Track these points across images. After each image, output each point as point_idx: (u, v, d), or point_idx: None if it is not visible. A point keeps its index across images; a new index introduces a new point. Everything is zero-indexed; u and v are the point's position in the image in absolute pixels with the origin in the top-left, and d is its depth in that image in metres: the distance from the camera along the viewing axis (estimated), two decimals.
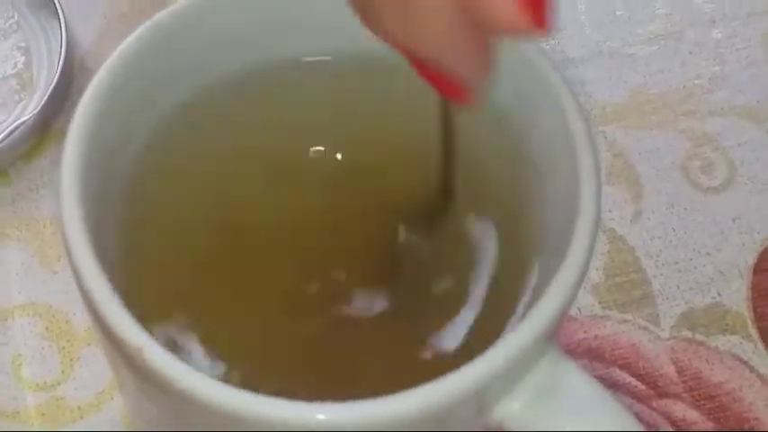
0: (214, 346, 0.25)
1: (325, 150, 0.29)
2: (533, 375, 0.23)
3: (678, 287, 0.36)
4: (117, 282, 0.22)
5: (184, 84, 0.27)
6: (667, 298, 0.36)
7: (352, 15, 0.21)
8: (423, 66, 0.21)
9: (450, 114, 0.24)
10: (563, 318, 0.23)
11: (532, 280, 0.26)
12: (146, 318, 0.22)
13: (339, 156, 0.29)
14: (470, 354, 0.22)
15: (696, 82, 0.40)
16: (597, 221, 0.24)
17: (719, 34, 0.41)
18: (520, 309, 0.25)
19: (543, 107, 0.26)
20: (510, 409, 0.23)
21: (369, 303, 0.27)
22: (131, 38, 0.25)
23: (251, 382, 0.22)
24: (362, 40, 0.22)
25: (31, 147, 0.38)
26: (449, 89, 0.21)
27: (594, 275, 0.36)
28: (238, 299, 0.27)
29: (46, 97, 0.37)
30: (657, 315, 0.36)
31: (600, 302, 0.36)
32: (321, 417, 0.21)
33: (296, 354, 0.26)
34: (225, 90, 0.28)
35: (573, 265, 0.23)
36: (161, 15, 0.26)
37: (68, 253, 0.23)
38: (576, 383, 0.23)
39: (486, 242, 0.28)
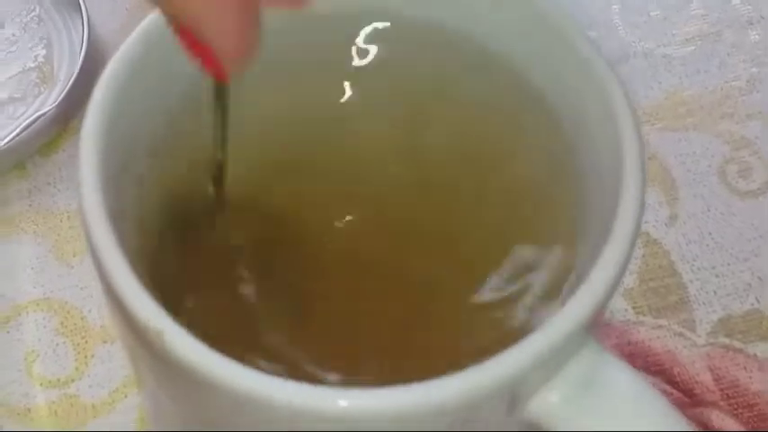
0: (233, 332, 0.24)
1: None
2: (572, 367, 0.22)
3: (715, 293, 0.35)
4: (136, 267, 0.21)
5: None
6: (704, 303, 0.35)
7: None
8: (184, 31, 0.21)
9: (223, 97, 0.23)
10: (604, 307, 0.22)
11: (574, 267, 0.25)
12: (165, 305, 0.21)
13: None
14: (510, 343, 0.21)
15: (734, 84, 0.39)
16: (641, 206, 0.22)
17: (757, 36, 0.40)
18: (562, 296, 0.24)
19: (585, 89, 0.25)
20: (547, 402, 0.22)
21: (401, 288, 0.26)
22: (142, 26, 0.25)
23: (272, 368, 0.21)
24: None
25: (50, 140, 0.37)
26: (205, 60, 0.21)
27: (628, 280, 0.35)
28: (255, 286, 0.26)
29: (66, 91, 0.37)
30: (693, 321, 0.35)
31: (634, 307, 0.35)
32: (343, 403, 0.20)
33: (320, 339, 0.25)
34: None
35: (615, 250, 0.22)
36: None
37: (88, 236, 0.22)
38: (619, 377, 0.22)
39: (524, 229, 0.26)
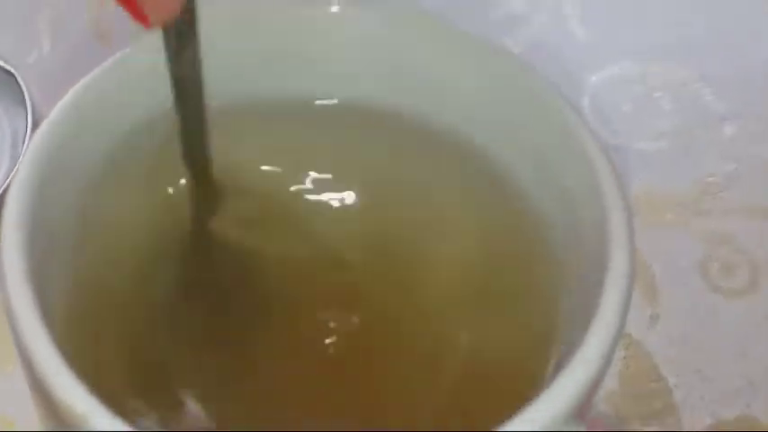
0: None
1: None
2: None
3: (702, 398, 0.33)
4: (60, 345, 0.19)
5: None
6: (692, 408, 0.33)
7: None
8: None
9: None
10: (592, 391, 0.20)
11: (555, 353, 0.22)
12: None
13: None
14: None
15: (710, 180, 0.38)
16: (631, 277, 0.20)
17: (731, 131, 0.39)
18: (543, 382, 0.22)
19: (565, 161, 0.23)
20: None
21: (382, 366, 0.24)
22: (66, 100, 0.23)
23: None
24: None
25: None
26: (130, 9, 0.21)
27: (611, 382, 0.33)
28: (186, 362, 0.23)
29: (2, 188, 0.34)
30: (681, 427, 0.32)
31: (617, 414, 0.32)
32: None
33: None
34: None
35: (602, 328, 0.20)
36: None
37: (8, 307, 0.19)
38: None
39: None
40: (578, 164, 0.23)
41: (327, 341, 0.25)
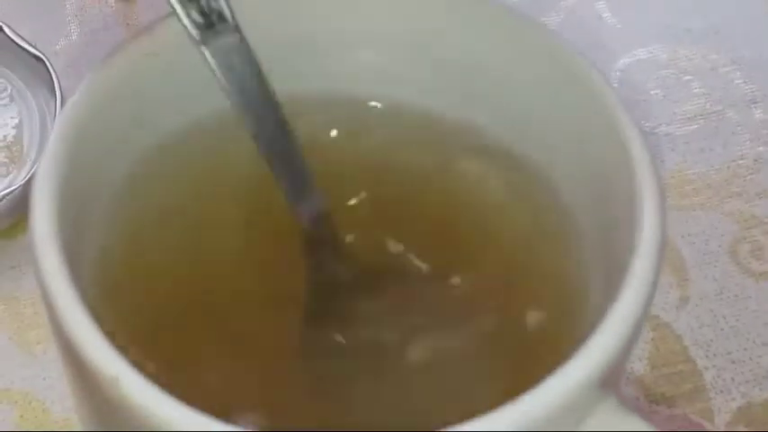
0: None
1: None
2: (590, 427, 0.19)
3: (733, 380, 0.33)
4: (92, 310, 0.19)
5: (159, 125, 0.25)
6: (721, 391, 0.32)
7: None
8: None
9: None
10: (624, 357, 0.20)
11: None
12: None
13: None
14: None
15: (740, 162, 0.37)
16: (661, 246, 0.20)
17: (762, 114, 0.39)
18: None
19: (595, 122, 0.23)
20: None
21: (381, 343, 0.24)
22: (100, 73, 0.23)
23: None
24: None
25: (16, 222, 0.35)
26: None
27: (639, 366, 0.33)
28: (212, 338, 0.23)
29: (32, 170, 0.35)
30: (711, 410, 0.32)
31: (646, 395, 0.32)
32: None
33: (282, 389, 0.22)
34: (201, 132, 0.25)
35: (632, 296, 0.20)
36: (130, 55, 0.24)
37: (38, 272, 0.20)
38: None
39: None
40: (613, 144, 0.22)
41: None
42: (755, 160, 0.37)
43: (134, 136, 0.24)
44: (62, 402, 0.31)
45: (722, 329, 0.34)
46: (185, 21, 0.22)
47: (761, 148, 0.38)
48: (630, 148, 0.22)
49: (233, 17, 0.22)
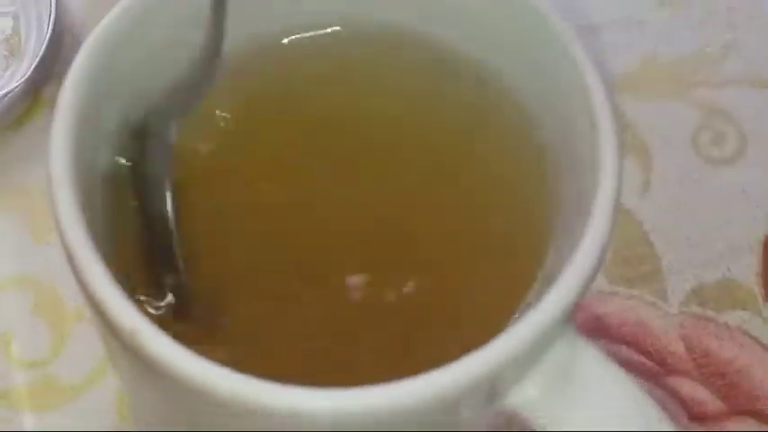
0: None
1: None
2: (550, 359, 0.22)
3: (688, 262, 0.35)
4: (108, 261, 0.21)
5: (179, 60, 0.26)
6: (676, 273, 0.35)
7: None
8: None
9: None
10: (582, 297, 0.22)
11: (547, 261, 0.24)
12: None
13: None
14: (482, 338, 0.21)
15: (707, 50, 0.39)
16: (617, 197, 0.22)
17: (731, 1, 0.40)
18: (534, 289, 0.24)
19: (561, 80, 0.24)
20: (525, 395, 0.22)
21: (375, 288, 0.25)
22: (118, 8, 0.24)
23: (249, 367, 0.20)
24: None
25: (20, 115, 0.36)
26: None
27: None
28: (231, 283, 0.25)
29: (35, 63, 0.36)
30: (666, 291, 0.35)
31: (607, 277, 0.35)
32: (326, 403, 0.20)
33: (296, 339, 0.24)
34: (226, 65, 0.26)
35: (593, 240, 0.22)
36: None
37: (59, 228, 0.21)
38: (596, 367, 0.22)
39: (499, 224, 0.26)
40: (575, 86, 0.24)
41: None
42: (722, 47, 0.39)
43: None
44: (75, 289, 0.33)
45: (680, 214, 0.36)
46: None
47: (728, 36, 0.39)
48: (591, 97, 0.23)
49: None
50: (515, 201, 0.26)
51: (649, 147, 0.37)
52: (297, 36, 0.27)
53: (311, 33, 0.27)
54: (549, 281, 0.22)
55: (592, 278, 0.22)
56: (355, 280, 0.25)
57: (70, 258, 0.21)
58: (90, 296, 0.20)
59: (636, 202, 0.36)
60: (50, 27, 0.36)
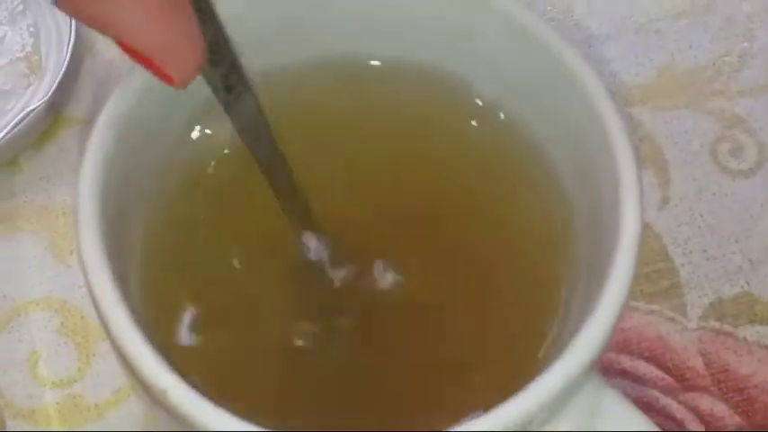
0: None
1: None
2: (577, 402, 0.22)
3: (706, 276, 0.35)
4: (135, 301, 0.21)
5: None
6: (695, 287, 0.35)
7: None
8: (128, 49, 0.21)
9: None
10: (608, 343, 0.22)
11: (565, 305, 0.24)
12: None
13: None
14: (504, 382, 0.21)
15: (725, 59, 0.38)
16: (639, 246, 0.22)
17: (749, 8, 0.39)
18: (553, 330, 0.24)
19: (587, 136, 0.24)
20: None
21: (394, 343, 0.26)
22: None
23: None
24: None
25: (42, 134, 0.36)
26: (155, 70, 0.22)
27: None
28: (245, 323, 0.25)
29: (56, 82, 0.36)
30: (685, 305, 0.35)
31: None
32: None
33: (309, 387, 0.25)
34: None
35: (617, 290, 0.22)
36: None
37: (92, 294, 0.21)
38: (619, 410, 0.22)
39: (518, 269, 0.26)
40: (594, 126, 0.24)
41: None
42: (740, 57, 0.38)
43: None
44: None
45: (699, 228, 0.36)
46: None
47: (746, 44, 0.39)
48: (613, 142, 0.23)
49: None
50: (534, 248, 0.26)
51: (667, 158, 0.37)
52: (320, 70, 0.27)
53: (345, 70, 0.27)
54: (570, 323, 0.22)
55: (615, 327, 0.22)
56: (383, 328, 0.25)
57: (105, 324, 0.21)
58: (124, 357, 0.21)
59: (654, 215, 0.36)
60: (70, 45, 0.36)
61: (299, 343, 0.25)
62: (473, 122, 0.27)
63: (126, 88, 0.24)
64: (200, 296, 0.25)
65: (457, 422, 0.20)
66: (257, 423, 0.20)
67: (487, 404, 0.20)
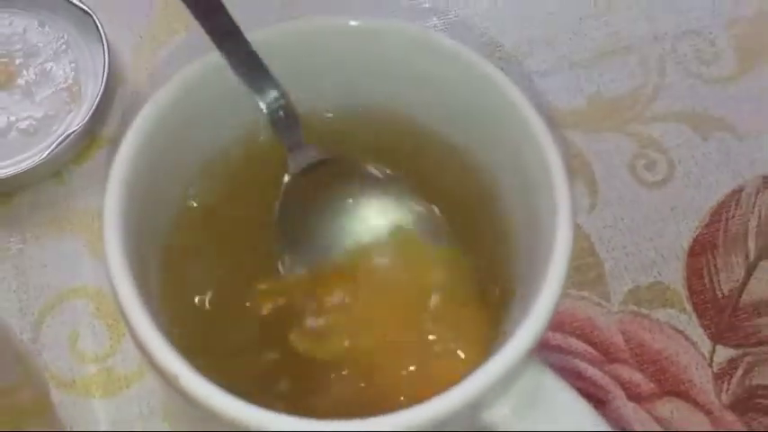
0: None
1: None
2: (519, 384, 0.21)
3: (626, 268, 0.34)
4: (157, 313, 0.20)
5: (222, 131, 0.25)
6: (617, 277, 0.34)
7: None
8: None
9: None
10: (544, 334, 0.21)
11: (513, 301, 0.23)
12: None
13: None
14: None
15: (641, 91, 0.38)
16: (570, 253, 0.21)
17: (662, 49, 0.38)
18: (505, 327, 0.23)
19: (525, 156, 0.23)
20: (500, 413, 0.21)
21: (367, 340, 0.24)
22: (165, 88, 0.23)
23: None
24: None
25: (81, 151, 0.35)
26: None
27: None
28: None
29: (93, 109, 0.34)
30: (608, 292, 0.34)
31: None
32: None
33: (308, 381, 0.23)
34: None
35: (552, 289, 0.21)
36: (194, 66, 0.23)
37: (116, 294, 0.20)
38: (555, 389, 0.21)
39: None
40: (533, 149, 0.23)
41: None
42: (653, 88, 0.38)
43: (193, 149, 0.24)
44: None
45: (620, 229, 0.35)
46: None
47: (658, 79, 0.38)
48: (551, 167, 0.22)
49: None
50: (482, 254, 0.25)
51: (594, 172, 0.36)
52: None
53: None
54: (512, 317, 0.21)
55: (549, 321, 0.21)
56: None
57: (126, 318, 0.20)
58: (141, 345, 0.20)
59: (584, 218, 0.35)
60: (105, 76, 0.35)
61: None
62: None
63: (147, 113, 0.23)
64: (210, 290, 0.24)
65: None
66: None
67: (438, 389, 0.19)
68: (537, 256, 0.22)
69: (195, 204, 0.24)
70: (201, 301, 0.23)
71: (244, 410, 0.18)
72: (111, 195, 0.21)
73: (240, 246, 0.24)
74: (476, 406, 0.20)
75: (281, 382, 0.23)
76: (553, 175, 0.22)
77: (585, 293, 0.34)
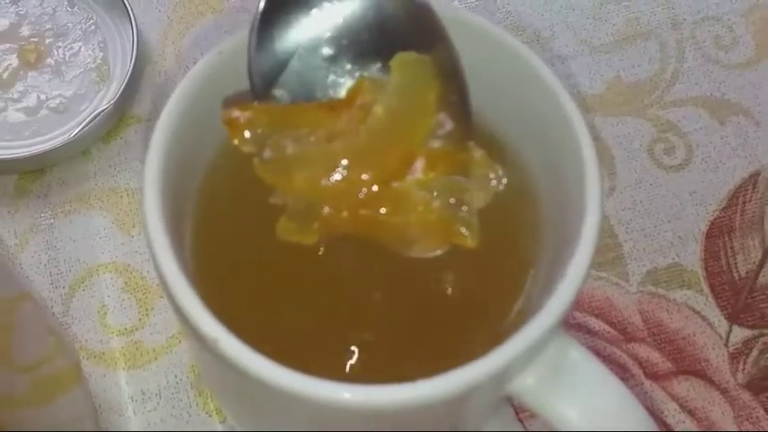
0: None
1: None
2: (545, 355, 0.21)
3: (644, 250, 0.34)
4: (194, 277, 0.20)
5: None
6: (635, 259, 0.34)
7: None
8: None
9: None
10: (573, 307, 0.21)
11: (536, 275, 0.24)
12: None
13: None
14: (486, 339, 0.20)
15: (661, 76, 0.38)
16: (601, 225, 0.22)
17: (680, 35, 0.38)
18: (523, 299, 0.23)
19: (549, 119, 0.23)
20: (526, 383, 0.21)
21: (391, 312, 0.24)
22: (206, 58, 0.23)
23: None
24: None
25: (110, 129, 0.35)
26: None
27: None
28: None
29: (121, 88, 0.35)
30: (627, 273, 0.34)
31: None
32: (381, 397, 0.19)
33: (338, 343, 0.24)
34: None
35: (582, 262, 0.21)
36: (236, 38, 0.23)
37: (153, 258, 0.21)
38: (580, 360, 0.22)
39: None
40: (563, 126, 0.23)
41: None
42: (672, 74, 0.38)
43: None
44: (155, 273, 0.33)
45: (639, 211, 0.35)
46: None
47: (677, 65, 0.38)
48: (582, 150, 0.22)
49: None
50: (510, 224, 0.25)
51: (614, 155, 0.36)
52: None
53: None
54: (543, 283, 0.21)
55: (578, 293, 0.21)
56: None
57: (164, 285, 0.20)
58: (180, 311, 0.20)
59: (604, 201, 0.35)
60: (134, 56, 0.35)
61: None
62: None
63: (181, 92, 0.23)
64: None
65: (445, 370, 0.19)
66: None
67: (470, 357, 0.20)
68: (565, 227, 0.22)
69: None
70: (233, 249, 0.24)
71: (285, 376, 0.19)
72: (151, 162, 0.21)
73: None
74: (502, 377, 0.21)
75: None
76: (582, 147, 0.22)
77: (604, 274, 0.34)
